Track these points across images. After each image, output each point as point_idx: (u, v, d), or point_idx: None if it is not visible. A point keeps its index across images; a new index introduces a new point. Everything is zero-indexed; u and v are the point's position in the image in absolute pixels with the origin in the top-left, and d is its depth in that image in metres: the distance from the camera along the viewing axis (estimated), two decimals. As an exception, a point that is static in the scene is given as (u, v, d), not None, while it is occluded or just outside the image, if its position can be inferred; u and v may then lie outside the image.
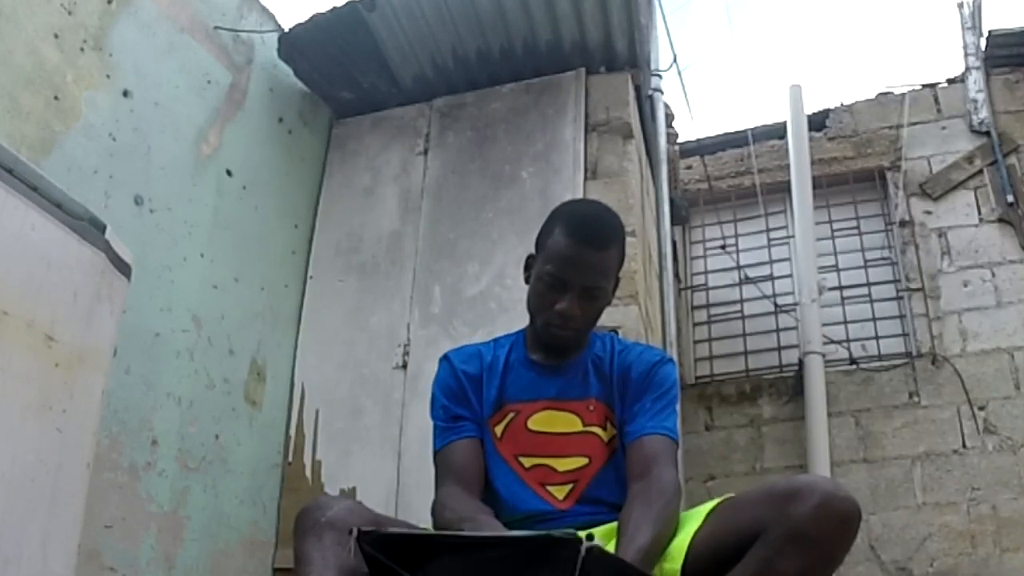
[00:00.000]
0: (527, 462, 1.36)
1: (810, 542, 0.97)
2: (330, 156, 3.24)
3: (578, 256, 1.33)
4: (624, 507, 1.20)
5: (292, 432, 2.79)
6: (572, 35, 2.93)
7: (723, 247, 4.31)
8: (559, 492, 1.33)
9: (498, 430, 1.40)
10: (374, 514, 1.03)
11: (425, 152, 3.08)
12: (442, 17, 2.88)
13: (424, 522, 1.30)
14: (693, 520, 1.13)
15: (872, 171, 4.14)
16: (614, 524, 1.24)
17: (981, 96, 4.00)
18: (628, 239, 2.69)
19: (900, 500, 3.45)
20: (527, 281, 1.44)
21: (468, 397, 1.42)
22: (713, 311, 4.24)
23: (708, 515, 1.12)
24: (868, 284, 3.99)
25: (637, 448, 1.29)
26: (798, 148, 3.99)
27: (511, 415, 1.39)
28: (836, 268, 4.04)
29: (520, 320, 1.53)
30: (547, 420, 1.38)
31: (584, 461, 1.35)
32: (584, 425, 1.37)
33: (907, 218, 3.94)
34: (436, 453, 1.40)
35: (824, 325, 3.76)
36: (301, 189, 3.09)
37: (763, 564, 0.99)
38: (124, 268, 1.65)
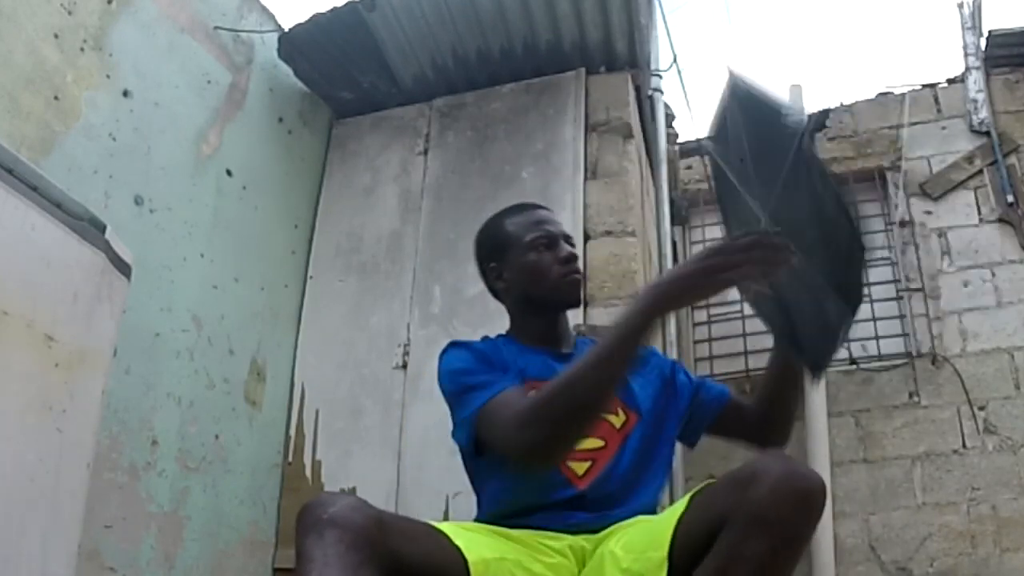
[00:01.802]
0: None
1: (769, 524, 0.95)
2: (330, 156, 3.24)
3: (541, 215, 1.54)
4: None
5: (292, 432, 2.79)
6: (572, 35, 2.93)
7: (723, 247, 4.29)
8: (579, 468, 1.34)
9: None
10: (378, 511, 1.02)
11: (425, 152, 3.08)
12: (442, 17, 2.88)
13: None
14: (678, 507, 1.13)
15: (872, 171, 4.13)
16: (620, 522, 1.27)
17: (981, 96, 4.00)
18: (628, 239, 2.75)
19: (900, 500, 3.44)
20: (496, 292, 1.56)
21: (493, 363, 1.36)
22: (713, 311, 4.23)
23: (691, 500, 1.12)
24: (868, 284, 3.98)
25: (736, 402, 1.55)
26: (798, 148, 3.99)
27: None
28: (836, 268, 4.03)
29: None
30: None
31: (600, 443, 1.37)
32: None
33: (907, 218, 3.94)
34: (475, 412, 1.26)
35: (824, 325, 3.75)
36: (301, 189, 3.09)
37: (730, 550, 0.98)
38: (124, 268, 1.65)
